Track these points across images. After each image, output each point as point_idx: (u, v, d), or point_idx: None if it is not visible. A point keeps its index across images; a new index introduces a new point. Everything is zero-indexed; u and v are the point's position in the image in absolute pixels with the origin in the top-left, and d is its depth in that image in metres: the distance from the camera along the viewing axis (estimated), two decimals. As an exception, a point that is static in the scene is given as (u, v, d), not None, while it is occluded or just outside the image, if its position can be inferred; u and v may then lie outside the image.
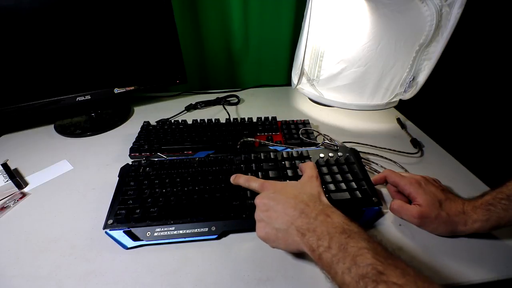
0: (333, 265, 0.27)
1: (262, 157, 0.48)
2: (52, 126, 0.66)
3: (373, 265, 0.25)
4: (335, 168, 0.46)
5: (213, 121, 0.63)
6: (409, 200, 0.40)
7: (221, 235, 0.39)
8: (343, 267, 0.27)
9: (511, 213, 0.34)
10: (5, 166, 0.52)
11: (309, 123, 0.62)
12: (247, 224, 0.39)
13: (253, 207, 0.40)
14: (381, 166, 0.51)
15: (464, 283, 0.33)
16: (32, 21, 0.53)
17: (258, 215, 0.35)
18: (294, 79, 0.69)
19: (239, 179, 0.41)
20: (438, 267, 0.35)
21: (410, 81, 0.61)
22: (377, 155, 0.54)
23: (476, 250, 0.37)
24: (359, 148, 0.53)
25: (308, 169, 0.40)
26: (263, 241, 0.34)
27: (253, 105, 0.77)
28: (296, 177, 0.44)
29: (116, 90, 0.67)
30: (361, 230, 0.30)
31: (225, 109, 0.74)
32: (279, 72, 0.89)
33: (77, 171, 0.52)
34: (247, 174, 0.44)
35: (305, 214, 0.32)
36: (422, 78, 0.60)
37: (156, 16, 0.64)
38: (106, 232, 0.38)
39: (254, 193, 0.42)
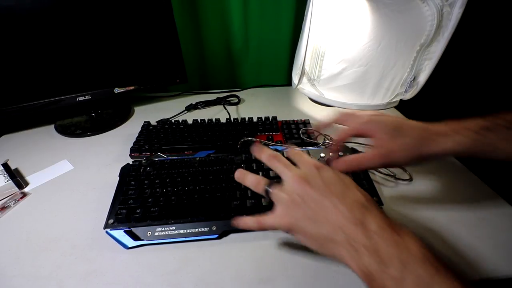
0: None
1: (263, 157, 0.48)
2: (52, 126, 0.66)
3: None
4: (335, 168, 0.46)
5: (214, 121, 0.63)
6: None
7: (221, 235, 0.39)
8: None
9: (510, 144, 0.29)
10: (6, 166, 0.52)
11: (309, 123, 0.62)
12: (247, 224, 0.39)
13: (253, 207, 0.40)
14: (382, 166, 0.51)
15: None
16: (32, 21, 0.53)
17: (289, 199, 0.26)
18: (295, 79, 0.69)
19: (262, 154, 0.32)
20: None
21: (411, 81, 0.61)
22: (377, 155, 0.54)
23: (475, 249, 0.37)
24: (359, 148, 0.53)
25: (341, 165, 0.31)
26: (283, 228, 0.26)
27: (253, 105, 0.77)
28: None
29: (117, 90, 0.67)
30: (445, 263, 0.22)
31: (226, 109, 0.74)
32: (279, 72, 0.89)
33: (77, 171, 0.52)
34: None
35: (363, 225, 0.23)
36: (423, 78, 0.60)
37: (156, 16, 0.64)
38: (106, 232, 0.38)
39: (255, 193, 0.42)
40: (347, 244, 0.23)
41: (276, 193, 0.27)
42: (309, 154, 0.48)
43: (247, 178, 0.31)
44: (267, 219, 0.28)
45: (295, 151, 0.31)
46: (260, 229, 0.29)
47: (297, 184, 0.26)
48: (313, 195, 0.25)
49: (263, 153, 0.31)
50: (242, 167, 0.46)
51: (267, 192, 0.28)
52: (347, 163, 0.33)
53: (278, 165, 0.29)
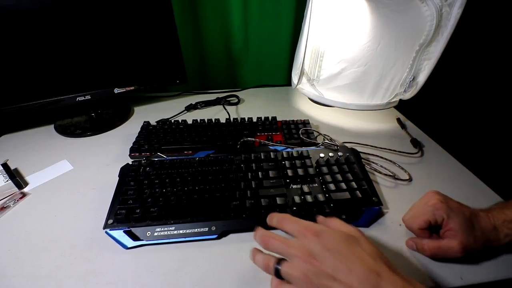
0: None
1: (262, 157, 0.48)
2: (52, 126, 0.66)
3: None
4: (335, 168, 0.46)
5: (213, 121, 0.63)
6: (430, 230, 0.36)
7: (221, 235, 0.39)
8: None
9: None
10: (5, 166, 0.52)
11: (309, 123, 0.62)
12: (247, 224, 0.39)
13: (253, 207, 0.40)
14: (381, 166, 0.51)
15: (465, 284, 0.33)
16: (32, 21, 0.53)
17: (300, 277, 0.25)
18: (294, 79, 0.69)
19: (273, 219, 0.31)
20: (439, 268, 0.35)
21: (410, 81, 0.61)
22: (377, 155, 0.54)
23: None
24: (359, 148, 0.54)
25: (340, 224, 0.30)
26: None
27: (253, 105, 0.77)
28: (296, 177, 0.44)
29: (116, 90, 0.67)
30: None
31: (225, 109, 0.74)
32: (279, 72, 0.89)
33: (77, 171, 0.52)
34: (248, 174, 0.45)
35: None
36: (422, 78, 0.60)
37: (156, 16, 0.64)
38: (106, 232, 0.38)
39: (254, 193, 0.42)
40: None
41: (288, 273, 0.26)
42: (309, 155, 0.48)
43: (255, 258, 0.30)
44: None
45: (287, 220, 0.30)
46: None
47: (306, 264, 0.25)
48: (324, 270, 0.25)
49: (257, 236, 0.30)
50: (241, 167, 0.46)
51: (277, 271, 0.27)
52: (434, 250, 0.34)
53: (276, 245, 0.28)
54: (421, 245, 0.35)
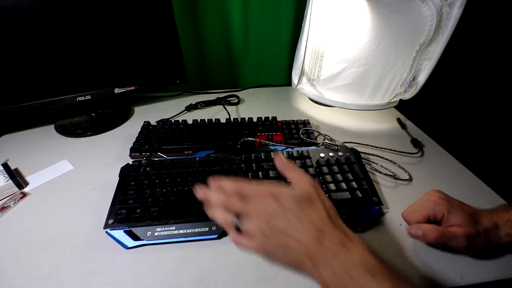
0: None
1: (263, 157, 0.48)
2: (52, 126, 0.66)
3: None
4: (335, 168, 0.46)
5: (214, 121, 0.63)
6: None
7: (221, 234, 0.39)
8: None
9: None
10: (6, 166, 0.52)
11: (309, 123, 0.62)
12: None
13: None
14: (381, 166, 0.51)
15: (465, 284, 0.33)
16: (32, 21, 0.53)
17: (257, 232, 0.29)
18: (294, 79, 0.69)
19: (224, 185, 0.32)
20: (439, 267, 0.35)
21: (410, 81, 0.61)
22: (377, 155, 0.54)
23: (476, 250, 0.37)
24: (359, 148, 0.54)
25: (299, 177, 0.32)
26: (257, 254, 0.29)
27: (253, 105, 0.77)
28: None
29: (116, 90, 0.67)
30: (384, 264, 0.26)
31: (225, 109, 0.74)
32: (279, 72, 0.89)
33: (77, 171, 0.52)
34: (248, 174, 0.44)
35: (322, 246, 0.27)
36: (422, 78, 0.60)
37: (156, 16, 0.64)
38: (106, 232, 0.38)
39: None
40: (312, 265, 0.27)
41: (247, 227, 0.29)
42: (309, 155, 0.48)
43: (215, 217, 0.32)
44: (247, 245, 0.30)
45: (242, 187, 0.32)
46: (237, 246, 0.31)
47: (263, 221, 0.29)
48: (279, 227, 0.28)
49: (214, 196, 0.32)
50: (242, 167, 0.46)
51: (237, 226, 0.30)
52: (440, 235, 0.35)
53: (237, 205, 0.31)
54: (425, 230, 0.35)
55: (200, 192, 0.33)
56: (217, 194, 0.32)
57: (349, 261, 0.26)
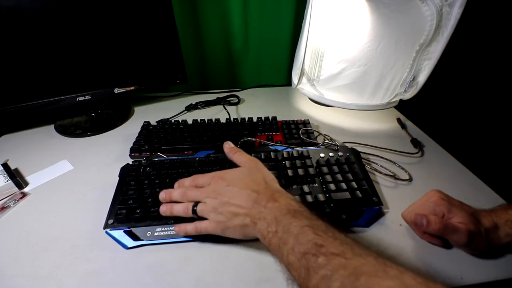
0: (279, 248, 0.28)
1: (263, 157, 0.48)
2: (52, 126, 0.66)
3: (313, 241, 0.26)
4: (335, 168, 0.46)
5: (213, 121, 0.63)
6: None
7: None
8: (287, 248, 0.28)
9: None
10: (6, 166, 0.52)
11: (309, 123, 0.62)
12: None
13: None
14: (381, 166, 0.51)
15: (465, 284, 0.33)
16: (32, 21, 0.53)
17: (210, 210, 0.34)
18: (294, 79, 0.69)
19: (184, 182, 0.38)
20: (439, 267, 0.35)
21: (410, 81, 0.61)
22: (377, 155, 0.54)
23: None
24: (359, 148, 0.54)
25: (241, 156, 0.39)
26: (218, 234, 0.34)
27: (253, 105, 0.77)
28: (297, 177, 0.44)
29: (116, 90, 0.67)
30: (306, 209, 0.31)
31: (225, 109, 0.74)
32: (279, 72, 0.89)
33: (77, 171, 0.52)
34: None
35: (257, 203, 0.32)
36: (422, 78, 0.60)
37: (156, 16, 0.64)
38: (106, 232, 0.38)
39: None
40: (252, 223, 0.32)
41: (203, 210, 0.35)
42: (309, 155, 0.48)
43: (174, 210, 0.37)
44: (203, 225, 0.35)
45: (197, 179, 0.38)
46: (198, 233, 0.36)
47: (214, 199, 0.34)
48: (225, 200, 0.34)
49: (175, 193, 0.38)
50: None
51: (194, 211, 0.35)
52: (438, 227, 0.34)
53: (193, 193, 0.36)
54: (429, 218, 0.35)
55: (162, 194, 0.38)
56: (177, 190, 0.37)
57: (276, 209, 0.31)
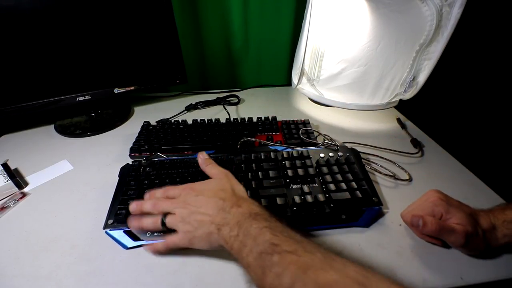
0: (240, 251, 0.29)
1: (263, 157, 0.48)
2: (52, 126, 0.66)
3: (270, 241, 0.27)
4: (335, 168, 0.46)
5: (213, 121, 0.63)
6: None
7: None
8: (246, 250, 0.28)
9: None
10: (5, 166, 0.52)
11: (309, 123, 0.62)
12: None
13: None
14: (381, 166, 0.51)
15: (465, 284, 0.33)
16: (32, 21, 0.53)
17: (179, 220, 0.34)
18: (294, 79, 0.69)
19: (155, 193, 0.38)
20: (439, 267, 0.35)
21: (410, 81, 0.61)
22: (377, 155, 0.54)
23: (476, 250, 0.37)
24: (359, 148, 0.54)
25: (213, 169, 0.39)
26: (186, 245, 0.34)
27: (253, 105, 0.77)
28: (296, 177, 0.44)
29: (116, 90, 0.67)
30: (266, 212, 0.32)
31: (225, 109, 0.74)
32: (279, 72, 0.89)
33: (77, 171, 0.52)
34: (248, 174, 0.44)
35: (222, 210, 0.33)
36: (422, 78, 0.60)
37: (156, 16, 0.64)
38: (106, 232, 0.38)
39: (254, 193, 0.42)
40: (216, 230, 0.32)
41: (171, 220, 0.34)
42: (309, 155, 0.48)
43: (143, 223, 0.36)
44: (172, 239, 0.34)
45: (168, 190, 0.38)
46: (168, 250, 0.35)
47: (182, 209, 0.34)
48: (193, 209, 0.34)
49: (146, 204, 0.37)
50: (241, 167, 0.46)
51: (163, 223, 0.35)
52: (439, 227, 0.34)
53: (163, 205, 0.36)
54: (425, 220, 0.35)
55: (133, 205, 0.37)
56: (149, 201, 0.37)
57: (240, 214, 0.31)
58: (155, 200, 0.37)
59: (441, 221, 0.35)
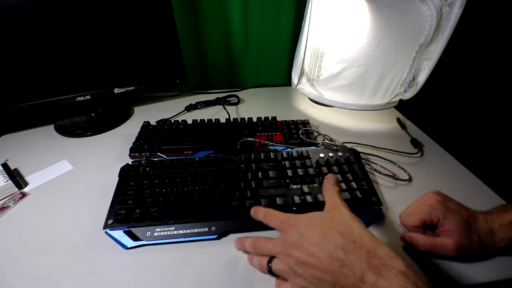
0: None
1: (262, 157, 0.48)
2: (52, 126, 0.66)
3: None
4: (335, 168, 0.46)
5: (213, 121, 0.63)
6: (424, 229, 0.36)
7: (221, 235, 0.39)
8: None
9: None
10: (5, 166, 0.52)
11: (309, 123, 0.62)
12: (247, 224, 0.39)
13: (252, 208, 0.40)
14: (381, 166, 0.51)
15: (465, 283, 0.33)
16: (32, 21, 0.53)
17: (286, 268, 0.28)
18: (294, 79, 0.69)
19: (258, 213, 0.34)
20: (439, 268, 0.35)
21: (410, 81, 0.61)
22: (377, 155, 0.54)
23: (476, 250, 0.37)
24: (359, 148, 0.54)
25: (328, 196, 0.34)
26: None
27: (253, 105, 0.77)
28: (296, 177, 0.44)
29: (116, 90, 0.67)
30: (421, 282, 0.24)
31: (225, 109, 0.74)
32: (279, 72, 0.89)
33: (77, 171, 0.52)
34: (247, 175, 0.45)
35: (347, 267, 0.25)
36: (422, 78, 0.60)
37: (156, 16, 0.64)
38: (106, 232, 0.38)
39: (254, 193, 0.42)
40: None
41: (277, 269, 0.29)
42: (309, 155, 0.48)
43: (253, 261, 0.33)
44: (286, 285, 0.30)
45: (270, 216, 0.33)
46: None
47: (287, 257, 0.28)
48: (301, 258, 0.27)
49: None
50: (241, 167, 0.46)
51: (270, 269, 0.30)
52: (429, 246, 0.34)
53: (262, 248, 0.31)
54: (416, 240, 0.35)
55: (237, 244, 0.34)
56: (249, 240, 0.32)
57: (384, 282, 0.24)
58: (254, 240, 0.32)
59: (431, 240, 0.34)
